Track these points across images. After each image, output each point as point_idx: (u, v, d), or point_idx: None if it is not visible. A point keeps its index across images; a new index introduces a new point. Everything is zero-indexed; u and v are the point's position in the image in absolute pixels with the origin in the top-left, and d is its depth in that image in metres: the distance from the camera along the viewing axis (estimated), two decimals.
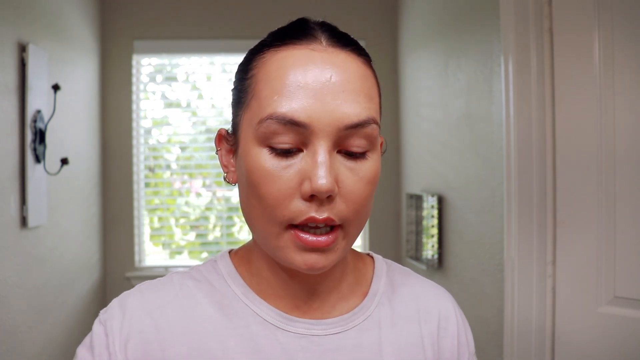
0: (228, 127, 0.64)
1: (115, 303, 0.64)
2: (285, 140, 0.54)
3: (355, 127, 0.54)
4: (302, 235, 0.55)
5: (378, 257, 0.71)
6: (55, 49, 2.51)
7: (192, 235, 3.41)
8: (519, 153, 1.60)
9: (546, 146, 1.56)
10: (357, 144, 0.55)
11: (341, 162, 0.55)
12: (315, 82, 0.53)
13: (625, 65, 1.39)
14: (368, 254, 0.72)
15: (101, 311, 0.65)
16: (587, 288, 1.47)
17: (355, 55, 0.58)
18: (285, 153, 0.54)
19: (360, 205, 0.56)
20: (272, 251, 0.58)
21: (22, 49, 2.15)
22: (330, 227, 0.55)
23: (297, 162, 0.54)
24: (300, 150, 0.54)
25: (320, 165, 0.52)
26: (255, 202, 0.56)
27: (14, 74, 2.09)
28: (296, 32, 0.57)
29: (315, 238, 0.54)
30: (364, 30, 3.27)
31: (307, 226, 0.55)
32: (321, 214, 0.54)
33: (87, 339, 0.64)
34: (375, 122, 0.56)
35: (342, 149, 0.55)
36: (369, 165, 0.56)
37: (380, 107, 0.61)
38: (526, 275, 1.60)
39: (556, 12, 1.54)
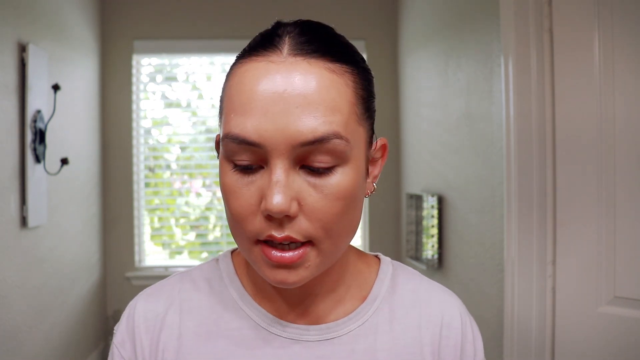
0: None
1: (123, 321, 0.65)
2: (244, 158, 0.53)
3: (312, 143, 0.51)
4: (267, 250, 0.53)
5: (385, 260, 0.69)
6: (55, 49, 2.51)
7: (192, 235, 3.41)
8: (519, 153, 1.60)
9: (546, 146, 1.56)
10: (319, 159, 0.52)
11: (304, 178, 0.52)
12: (267, 98, 0.51)
13: (625, 65, 1.39)
14: (376, 256, 0.70)
15: (115, 327, 0.66)
16: (587, 288, 1.47)
17: (323, 61, 0.53)
18: (247, 169, 0.53)
19: (329, 222, 0.53)
20: (250, 263, 0.58)
21: (22, 49, 2.15)
22: (299, 242, 0.53)
23: (258, 179, 0.53)
24: (261, 166, 0.53)
25: (273, 185, 0.51)
26: (228, 216, 0.57)
27: (14, 74, 2.09)
28: (261, 42, 0.55)
29: (280, 254, 0.53)
30: (364, 30, 3.27)
31: (272, 242, 0.54)
32: (280, 233, 0.52)
33: None
34: (338, 136, 0.51)
35: (305, 164, 0.52)
36: (337, 181, 0.53)
37: (369, 110, 0.58)
38: (526, 275, 1.60)
39: (556, 12, 1.54)
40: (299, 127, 0.50)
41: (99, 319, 3.15)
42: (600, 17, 1.43)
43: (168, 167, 3.41)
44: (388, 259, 0.70)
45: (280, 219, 0.52)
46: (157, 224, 3.42)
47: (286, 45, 0.53)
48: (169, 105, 3.34)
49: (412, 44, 2.93)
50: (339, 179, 0.53)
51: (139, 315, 0.64)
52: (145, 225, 3.36)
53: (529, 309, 1.59)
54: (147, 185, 3.37)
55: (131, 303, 0.66)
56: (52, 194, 2.43)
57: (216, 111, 3.34)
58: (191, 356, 0.61)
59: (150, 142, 3.38)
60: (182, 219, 3.39)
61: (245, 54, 0.56)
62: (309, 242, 0.54)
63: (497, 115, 1.80)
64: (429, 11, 2.63)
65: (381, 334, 0.63)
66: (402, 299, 0.65)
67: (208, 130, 3.36)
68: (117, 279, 3.26)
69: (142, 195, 3.32)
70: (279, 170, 0.51)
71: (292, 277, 0.54)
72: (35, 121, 2.22)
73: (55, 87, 2.39)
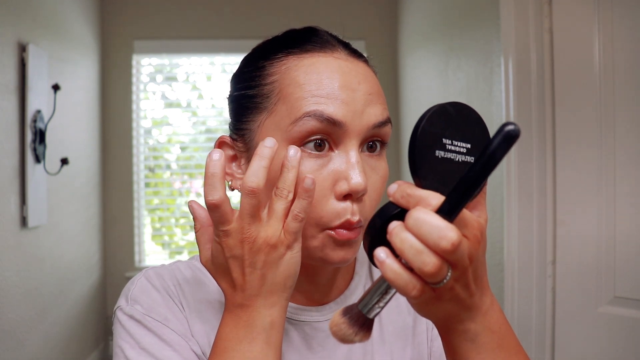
0: (226, 128, 0.65)
1: (141, 290, 0.63)
2: (319, 138, 0.57)
3: (380, 125, 0.58)
4: (339, 230, 0.57)
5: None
6: (55, 49, 2.51)
7: (192, 235, 3.41)
8: (519, 153, 1.60)
9: (546, 146, 1.56)
10: (376, 142, 0.60)
11: (365, 161, 0.59)
12: (347, 88, 0.57)
13: (625, 65, 1.39)
14: None
15: (122, 304, 0.63)
16: (587, 288, 1.47)
17: (368, 65, 0.63)
18: (318, 154, 0.57)
19: (378, 202, 0.60)
20: (303, 252, 0.59)
21: (22, 49, 2.15)
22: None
23: (329, 163, 0.57)
24: (331, 150, 0.57)
25: (356, 165, 0.56)
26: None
27: (14, 74, 2.09)
28: (315, 41, 0.61)
29: (348, 232, 0.57)
30: (364, 30, 3.27)
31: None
32: (355, 216, 0.56)
33: (131, 343, 0.60)
34: (390, 121, 0.61)
35: (364, 148, 0.59)
36: (385, 164, 0.61)
37: None
38: (526, 275, 1.60)
39: (556, 12, 1.54)
40: (372, 111, 0.58)
41: (99, 319, 3.15)
42: (600, 17, 1.43)
43: (168, 167, 3.41)
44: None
45: (353, 199, 0.56)
46: (157, 224, 3.42)
47: (342, 47, 0.61)
48: (169, 105, 3.34)
49: (412, 44, 2.93)
50: (385, 162, 0.61)
51: (157, 281, 0.64)
52: (146, 225, 3.36)
53: (529, 309, 1.59)
54: (147, 185, 3.37)
55: (139, 277, 0.65)
56: (52, 194, 2.43)
57: (216, 111, 3.34)
58: (211, 333, 0.63)
59: (150, 142, 3.38)
60: (182, 219, 3.39)
61: (294, 50, 0.60)
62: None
63: (497, 115, 1.80)
64: (429, 11, 2.63)
65: None
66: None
67: (208, 130, 3.36)
68: (117, 279, 3.25)
69: (142, 195, 3.32)
70: (355, 151, 0.57)
71: (351, 254, 0.59)
72: (35, 121, 2.22)
73: (55, 87, 2.38)
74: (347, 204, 0.56)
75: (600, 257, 1.44)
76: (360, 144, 0.58)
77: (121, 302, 0.63)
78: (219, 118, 3.34)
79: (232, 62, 3.28)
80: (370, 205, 0.58)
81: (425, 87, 2.68)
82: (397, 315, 0.70)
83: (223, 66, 3.32)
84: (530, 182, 1.58)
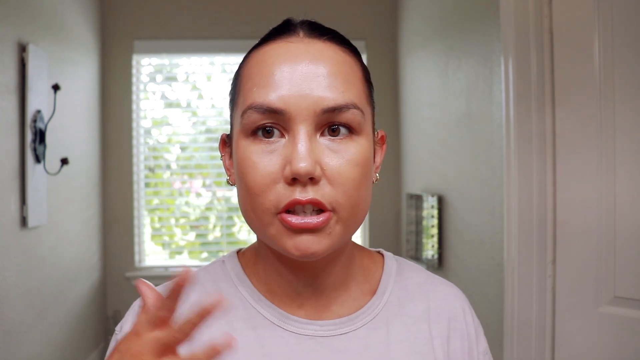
0: (227, 128, 0.66)
1: (127, 320, 0.64)
2: (266, 126, 0.56)
3: (333, 111, 0.55)
4: (288, 217, 0.54)
5: (388, 255, 0.70)
6: (55, 48, 2.51)
7: (192, 235, 3.41)
8: (519, 153, 1.60)
9: (546, 146, 1.56)
10: (339, 127, 0.56)
11: (325, 145, 0.55)
12: (291, 71, 0.55)
13: (625, 65, 1.39)
14: (378, 252, 0.71)
15: (116, 328, 0.65)
16: (587, 288, 1.47)
17: (333, 43, 0.59)
18: (268, 140, 0.55)
19: (350, 188, 0.55)
20: (268, 242, 0.58)
21: (22, 49, 2.15)
22: (320, 210, 0.55)
23: (279, 149, 0.55)
24: (282, 136, 0.56)
25: (299, 148, 0.53)
26: (244, 194, 0.57)
27: (14, 74, 2.09)
28: (277, 31, 0.60)
29: (302, 220, 0.54)
30: (363, 30, 3.27)
31: (295, 211, 0.55)
32: (305, 196, 0.53)
33: None
34: (355, 106, 0.56)
35: (325, 132, 0.56)
36: (356, 149, 0.56)
37: (372, 97, 0.61)
38: (526, 275, 1.60)
39: (556, 12, 1.54)
40: (322, 94, 0.55)
41: (99, 319, 3.15)
42: (600, 17, 1.43)
43: (168, 167, 3.41)
44: (390, 254, 0.71)
45: (304, 183, 0.54)
46: (157, 224, 3.42)
47: (301, 30, 0.59)
48: (169, 105, 3.34)
49: (412, 44, 2.93)
50: (357, 147, 0.56)
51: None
52: (145, 225, 3.36)
53: (529, 309, 1.59)
54: (147, 185, 3.37)
55: (136, 302, 0.65)
56: (52, 194, 2.43)
57: (216, 111, 3.34)
58: None
59: (150, 142, 3.38)
60: (182, 219, 3.39)
61: (262, 42, 0.60)
62: (330, 210, 0.55)
63: (497, 115, 1.80)
64: (429, 11, 2.63)
65: (392, 327, 0.63)
66: (409, 293, 0.66)
67: (208, 130, 3.36)
68: (117, 279, 3.25)
69: (142, 195, 3.32)
70: (303, 135, 0.54)
71: (315, 245, 0.54)
72: (35, 121, 2.22)
73: (55, 87, 2.38)
74: (295, 187, 0.54)
75: (600, 257, 1.44)
76: (317, 128, 0.55)
77: (117, 326, 0.64)
78: (219, 118, 3.34)
79: (232, 62, 3.28)
80: (336, 190, 0.55)
81: (425, 87, 2.68)
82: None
83: (223, 66, 3.32)
84: (530, 182, 1.58)
